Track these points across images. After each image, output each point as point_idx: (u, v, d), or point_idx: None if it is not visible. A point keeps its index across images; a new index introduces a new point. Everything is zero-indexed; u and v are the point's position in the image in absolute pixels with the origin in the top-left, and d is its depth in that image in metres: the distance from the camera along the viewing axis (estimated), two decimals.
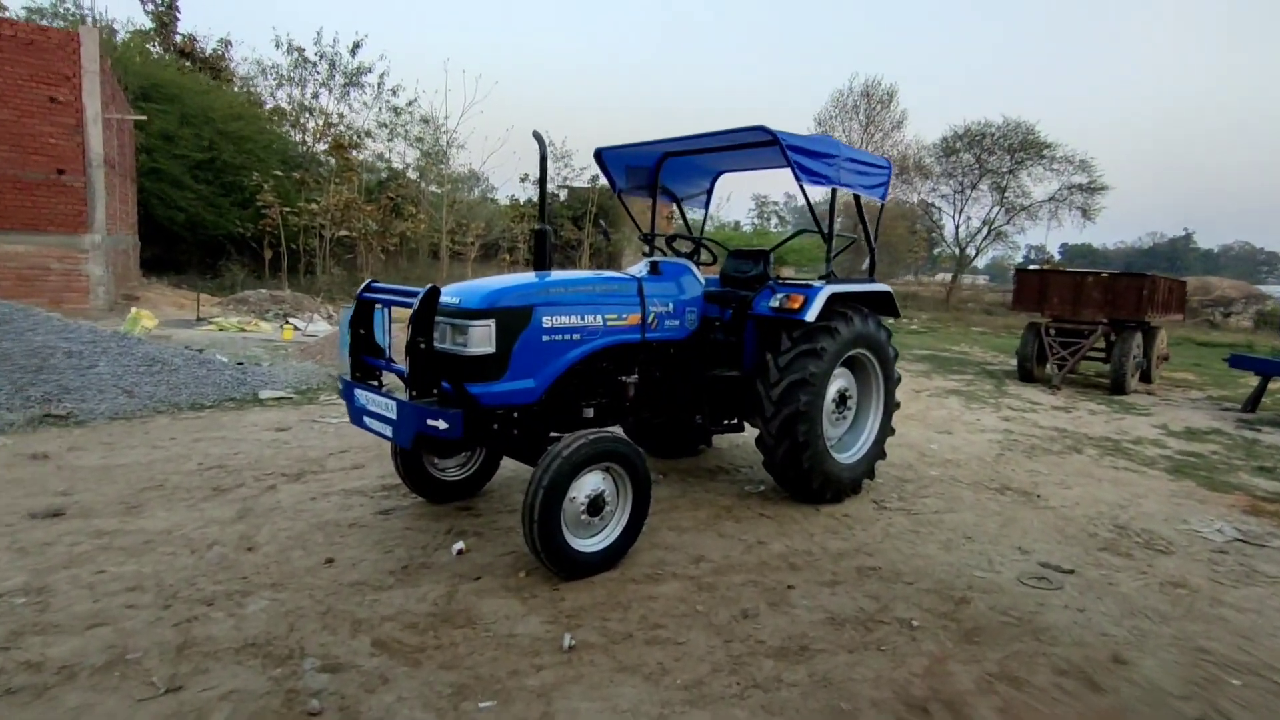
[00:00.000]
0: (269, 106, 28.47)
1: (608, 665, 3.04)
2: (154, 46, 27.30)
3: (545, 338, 4.07)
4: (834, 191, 5.06)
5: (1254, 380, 10.70)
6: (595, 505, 3.86)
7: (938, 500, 5.50)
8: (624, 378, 4.58)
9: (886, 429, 5.63)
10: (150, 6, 28.60)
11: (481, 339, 3.83)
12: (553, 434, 4.42)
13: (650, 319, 4.63)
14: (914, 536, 4.71)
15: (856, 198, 5.33)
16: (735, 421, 5.32)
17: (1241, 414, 10.20)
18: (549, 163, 4.71)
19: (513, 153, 59.46)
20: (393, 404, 3.73)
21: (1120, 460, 7.10)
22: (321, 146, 26.85)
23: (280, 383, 8.43)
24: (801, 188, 4.74)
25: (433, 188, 30.23)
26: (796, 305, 4.85)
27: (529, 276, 4.33)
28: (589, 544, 3.91)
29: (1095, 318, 11.61)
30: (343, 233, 22.97)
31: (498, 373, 3.91)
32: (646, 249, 5.93)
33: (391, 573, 3.80)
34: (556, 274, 4.51)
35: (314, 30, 39.90)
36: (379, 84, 29.14)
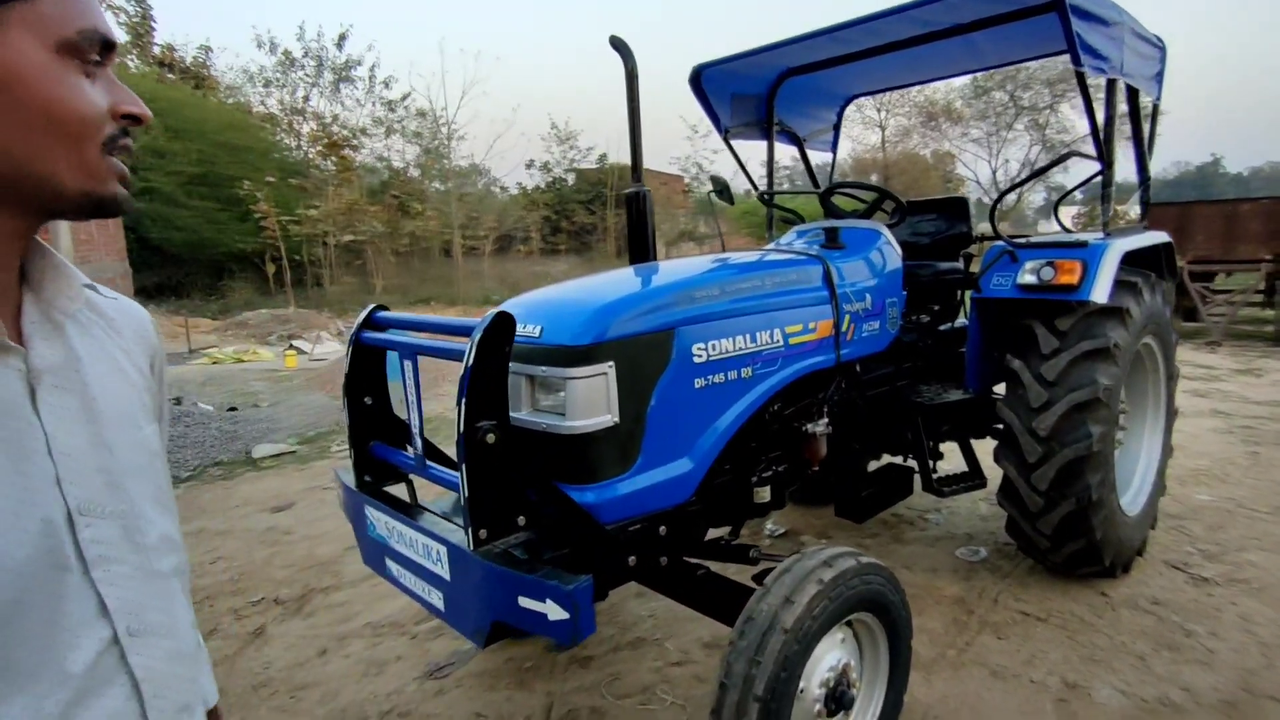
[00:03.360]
0: (259, 113, 26.74)
1: None
2: (132, 59, 25.63)
3: (700, 382, 2.24)
4: (1111, 86, 3.12)
5: None
6: (839, 695, 2.05)
7: (1265, 554, 3.61)
8: (810, 426, 2.73)
9: (1169, 449, 3.74)
10: (124, 18, 26.89)
11: (592, 400, 2.02)
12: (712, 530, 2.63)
13: (845, 325, 2.77)
14: None
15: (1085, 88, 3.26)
16: (969, 473, 3.43)
17: None
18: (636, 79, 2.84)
19: (520, 134, 56.82)
20: (443, 551, 1.92)
21: None
22: (318, 150, 25.11)
23: (281, 430, 6.70)
24: (1080, 77, 2.81)
25: (435, 184, 28.40)
26: (1073, 278, 2.96)
27: (649, 274, 2.50)
28: None
29: (1257, 254, 9.53)
30: (349, 238, 21.26)
31: (623, 459, 2.10)
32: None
33: None
34: (685, 264, 2.68)
35: (296, 24, 37.83)
36: (370, 77, 27.28)
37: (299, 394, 8.30)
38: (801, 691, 1.97)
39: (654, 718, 2.56)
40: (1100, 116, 3.11)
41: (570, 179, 30.64)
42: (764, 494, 2.63)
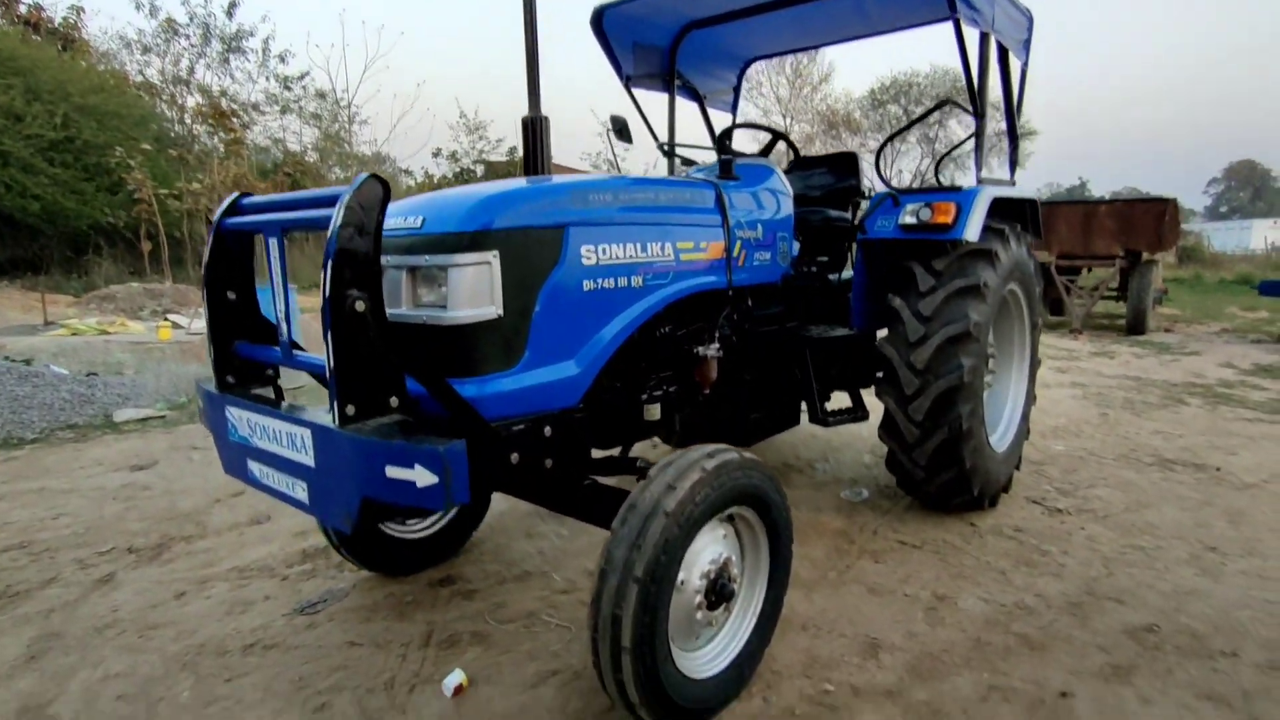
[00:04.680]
0: (137, 82, 24.61)
1: None
2: None
3: (589, 284, 2.21)
4: (984, 41, 3.32)
5: (1250, 310, 9.80)
6: (719, 587, 2.06)
7: (1109, 489, 3.94)
8: (701, 349, 2.75)
9: (1032, 397, 4.02)
10: None
11: (475, 290, 1.95)
12: (596, 452, 2.61)
13: (737, 250, 2.81)
14: (1142, 556, 3.12)
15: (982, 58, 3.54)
16: (853, 407, 3.56)
17: (1277, 345, 9.28)
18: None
19: (426, 109, 54.40)
20: (306, 434, 1.79)
21: (1242, 411, 5.78)
22: (204, 124, 23.37)
23: (147, 396, 6.17)
24: (958, 31, 2.97)
25: (336, 169, 27.04)
26: (948, 218, 3.13)
27: (543, 180, 2.44)
28: (705, 659, 2.12)
29: (1110, 250, 10.47)
30: None
31: (507, 354, 2.04)
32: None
33: None
34: (585, 176, 2.63)
35: None
36: (264, 49, 25.66)
37: (171, 364, 7.66)
38: (682, 583, 1.98)
39: (538, 639, 2.50)
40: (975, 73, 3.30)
41: (479, 170, 29.92)
42: (654, 412, 2.62)
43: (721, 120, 4.59)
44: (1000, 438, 3.71)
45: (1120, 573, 2.97)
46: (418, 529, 3.04)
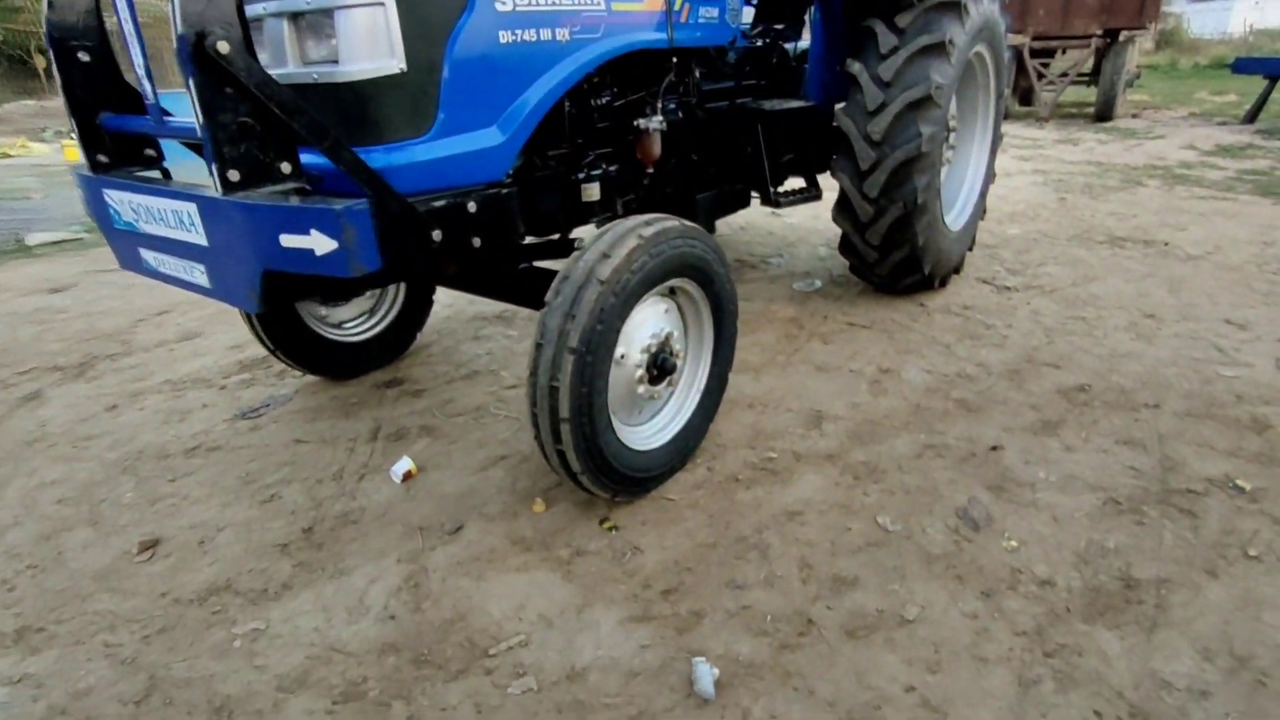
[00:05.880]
0: None
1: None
2: None
3: (506, 36, 1.91)
4: None
5: (1220, 94, 9.53)
6: (660, 362, 2.02)
7: (1058, 267, 3.96)
8: (643, 121, 2.50)
9: (991, 174, 3.88)
10: None
11: (371, 39, 1.66)
12: (531, 239, 2.45)
13: (679, 3, 2.46)
14: (1083, 325, 3.18)
15: None
16: (806, 187, 3.38)
17: (1244, 125, 9.13)
18: None
19: None
20: (192, 209, 1.59)
21: (1197, 190, 5.75)
22: None
23: (58, 220, 5.70)
24: None
25: None
26: None
27: None
28: (651, 432, 2.13)
29: (1088, 29, 9.86)
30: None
31: (416, 117, 1.79)
32: None
33: (282, 550, 1.92)
34: None
35: None
36: None
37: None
38: (622, 357, 1.92)
39: (486, 429, 2.50)
40: None
41: None
42: (592, 191, 2.43)
43: None
44: (956, 216, 3.62)
45: (1060, 340, 3.03)
46: (358, 329, 2.93)
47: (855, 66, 2.95)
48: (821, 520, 1.98)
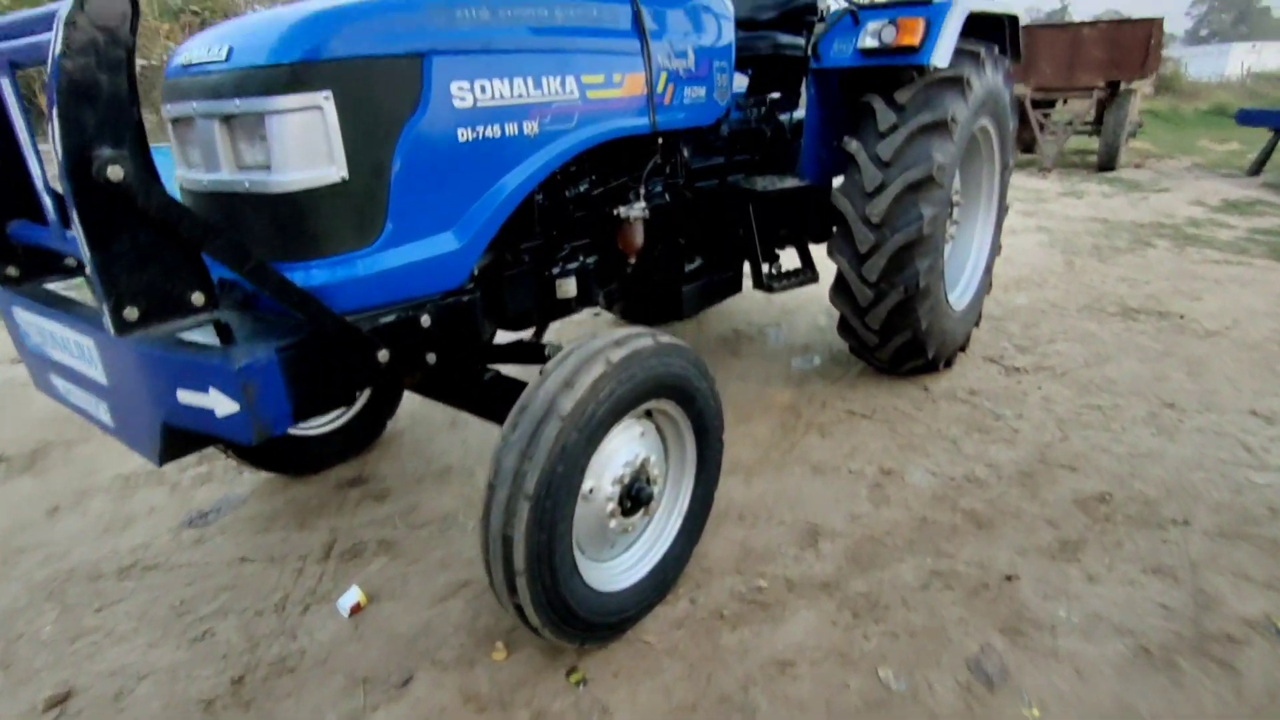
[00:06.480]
0: None
1: None
2: None
3: (465, 134, 1.74)
4: None
5: (1222, 143, 9.45)
6: (635, 492, 1.81)
7: (1069, 344, 3.76)
8: (623, 210, 2.34)
9: (996, 247, 3.71)
10: None
11: (306, 145, 1.50)
12: (501, 335, 2.27)
13: (662, 85, 2.31)
14: (1099, 416, 2.96)
15: None
16: (801, 269, 3.20)
17: (1250, 178, 9.02)
18: None
19: None
20: (91, 345, 1.41)
21: (1209, 252, 5.59)
22: None
23: None
24: None
25: (256, 4, 24.05)
26: (915, 38, 2.63)
27: None
28: (624, 567, 1.91)
29: (1093, 81, 9.82)
30: (140, 63, 17.83)
31: (361, 228, 1.62)
32: None
33: (205, 709, 1.69)
34: None
35: None
36: None
37: None
38: (591, 491, 1.72)
39: (451, 545, 2.29)
40: None
41: None
42: (568, 287, 2.25)
43: None
44: (960, 295, 3.43)
45: (1075, 435, 2.81)
46: (320, 422, 2.73)
47: (853, 145, 2.80)
48: (816, 673, 1.75)
